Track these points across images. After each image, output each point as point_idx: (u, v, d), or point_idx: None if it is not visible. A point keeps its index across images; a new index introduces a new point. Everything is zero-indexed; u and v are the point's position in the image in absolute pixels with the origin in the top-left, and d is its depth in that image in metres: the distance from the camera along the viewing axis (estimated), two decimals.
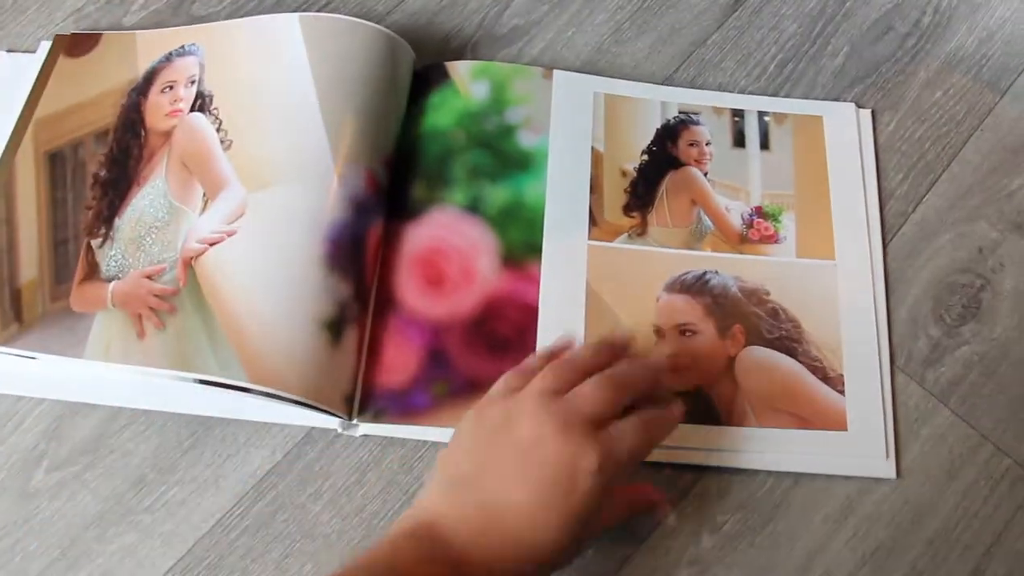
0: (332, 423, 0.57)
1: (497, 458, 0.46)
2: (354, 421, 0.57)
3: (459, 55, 0.69)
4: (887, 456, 0.57)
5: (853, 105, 0.67)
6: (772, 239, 0.62)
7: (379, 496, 0.56)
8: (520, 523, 0.45)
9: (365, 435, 0.57)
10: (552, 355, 0.53)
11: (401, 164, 0.64)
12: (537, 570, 0.46)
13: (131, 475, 0.57)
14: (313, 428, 0.58)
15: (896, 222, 0.64)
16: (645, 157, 0.65)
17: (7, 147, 0.63)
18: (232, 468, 0.57)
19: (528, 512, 0.45)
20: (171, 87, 0.64)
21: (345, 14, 0.65)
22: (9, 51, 0.69)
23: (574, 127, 0.65)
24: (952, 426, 0.58)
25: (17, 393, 0.58)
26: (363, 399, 0.57)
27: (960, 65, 0.70)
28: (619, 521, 0.51)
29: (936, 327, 0.61)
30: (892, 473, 0.56)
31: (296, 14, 0.63)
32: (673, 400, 0.52)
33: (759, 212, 0.63)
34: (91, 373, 0.56)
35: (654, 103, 0.67)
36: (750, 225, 0.63)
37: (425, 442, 0.57)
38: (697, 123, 0.66)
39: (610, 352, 0.52)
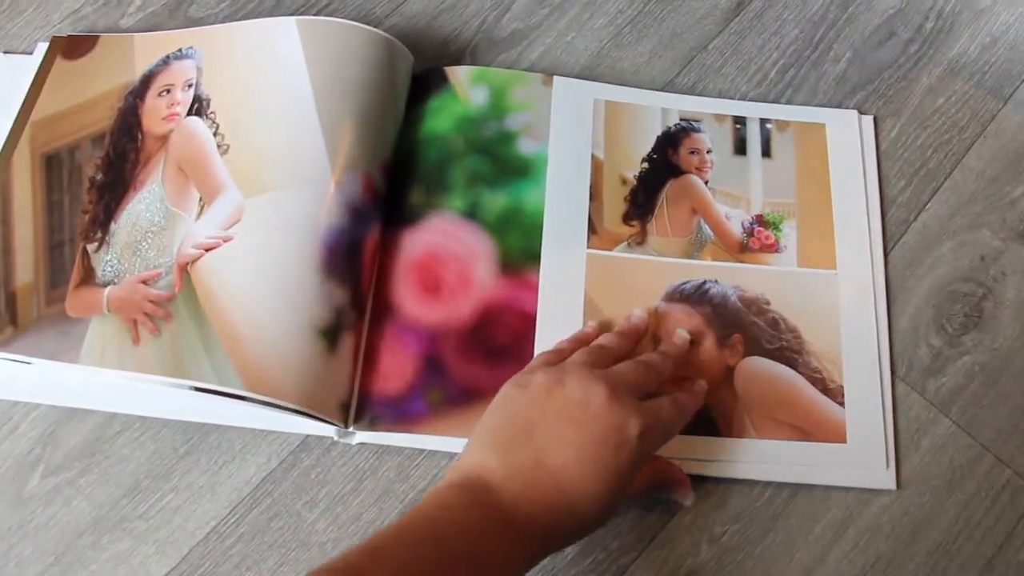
0: (328, 431, 0.56)
1: (548, 417, 0.48)
2: (350, 429, 0.56)
3: (458, 59, 0.69)
4: (887, 467, 0.56)
5: (855, 112, 0.67)
6: (773, 248, 0.62)
7: (375, 504, 0.56)
8: (571, 476, 0.46)
9: (361, 443, 0.57)
10: (579, 340, 0.57)
11: (399, 169, 0.63)
12: (577, 527, 0.47)
13: (126, 481, 0.56)
14: (309, 435, 0.57)
15: (898, 230, 0.64)
16: (645, 165, 0.64)
17: (3, 149, 0.63)
18: (227, 475, 0.56)
19: (579, 466, 0.46)
20: (168, 91, 0.63)
21: (343, 17, 0.65)
22: (6, 53, 0.69)
23: (573, 134, 0.65)
24: (953, 436, 0.58)
25: (12, 398, 0.58)
26: (359, 406, 0.57)
27: (963, 71, 0.69)
28: (645, 491, 0.53)
29: (937, 336, 0.60)
30: (892, 484, 0.56)
31: (294, 17, 0.63)
32: (696, 381, 0.56)
33: (760, 220, 0.63)
34: (86, 378, 0.56)
35: (655, 110, 0.66)
36: (751, 234, 0.62)
37: (421, 450, 0.57)
38: (698, 130, 0.65)
39: (636, 337, 0.58)
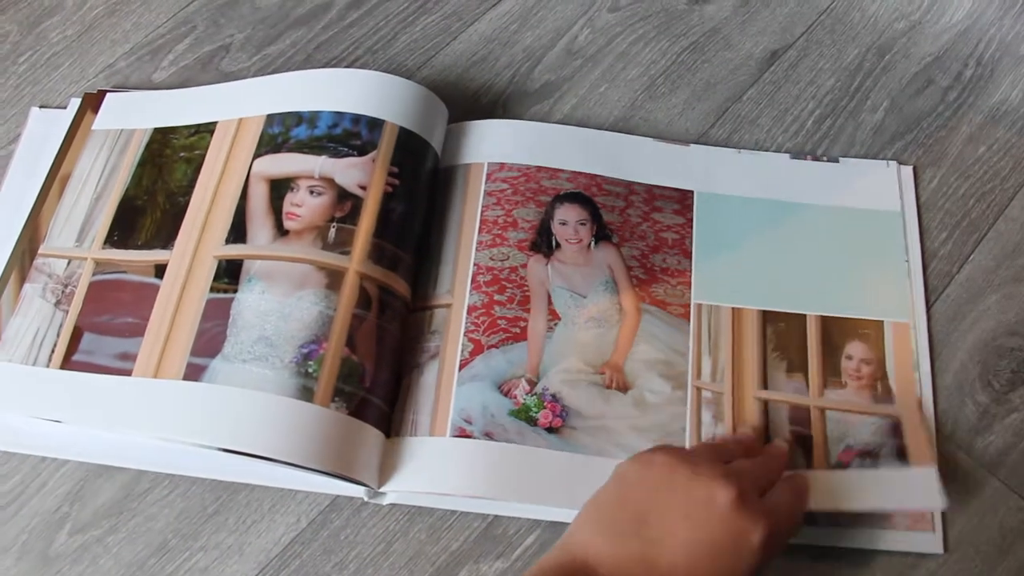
0: (358, 491, 0.55)
1: (664, 511, 0.46)
2: (381, 490, 0.55)
3: (490, 112, 0.69)
4: (934, 530, 0.55)
5: (895, 164, 0.65)
6: None
7: (405, 567, 0.54)
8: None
9: (392, 504, 0.56)
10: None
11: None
12: None
13: (154, 540, 0.56)
14: (339, 496, 0.56)
15: (940, 283, 0.62)
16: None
17: (36, 201, 0.63)
18: (256, 535, 0.56)
19: (688, 570, 0.45)
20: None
21: (375, 69, 0.65)
22: (41, 107, 0.69)
23: None
24: (1002, 498, 0.56)
25: (40, 454, 0.58)
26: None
27: (1004, 119, 0.68)
28: None
29: (984, 393, 0.59)
30: (939, 548, 0.54)
31: (332, 70, 0.63)
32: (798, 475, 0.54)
33: None
34: (115, 436, 0.55)
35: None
36: None
37: (454, 511, 0.56)
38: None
39: (751, 441, 0.56)
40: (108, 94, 0.68)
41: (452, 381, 0.58)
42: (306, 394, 0.54)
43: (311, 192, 0.60)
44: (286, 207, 0.60)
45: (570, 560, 0.45)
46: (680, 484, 0.46)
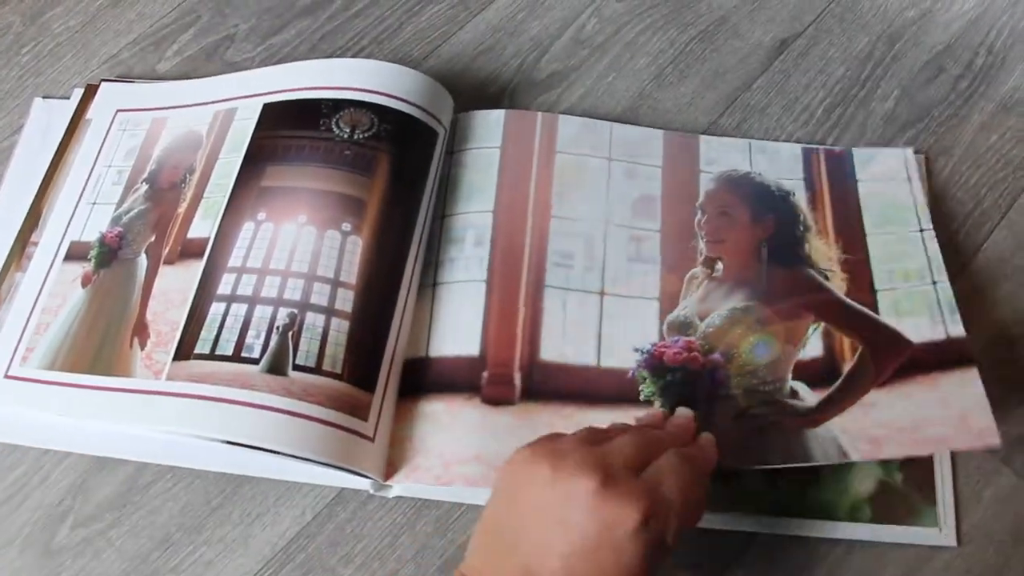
0: (364, 483, 0.55)
1: (537, 517, 0.42)
2: (387, 482, 0.55)
3: (497, 102, 0.68)
4: (947, 521, 0.54)
5: (906, 151, 0.65)
6: None
7: (412, 560, 0.54)
8: None
9: (398, 497, 0.55)
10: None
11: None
12: None
13: (157, 534, 0.55)
14: (344, 488, 0.56)
15: (953, 273, 0.61)
16: None
17: (37, 193, 0.63)
18: (260, 529, 0.55)
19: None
20: None
21: (380, 59, 0.64)
22: (45, 97, 0.69)
23: None
24: (1016, 489, 0.55)
25: (43, 447, 0.57)
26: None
27: (1017, 107, 0.67)
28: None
29: (997, 384, 0.58)
30: (953, 540, 0.54)
31: (338, 59, 0.63)
32: (702, 436, 0.51)
33: None
34: (117, 428, 0.55)
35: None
36: None
37: (460, 504, 0.55)
38: None
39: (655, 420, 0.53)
40: (102, 84, 0.68)
41: None
42: None
43: None
44: None
45: None
46: (545, 483, 0.43)
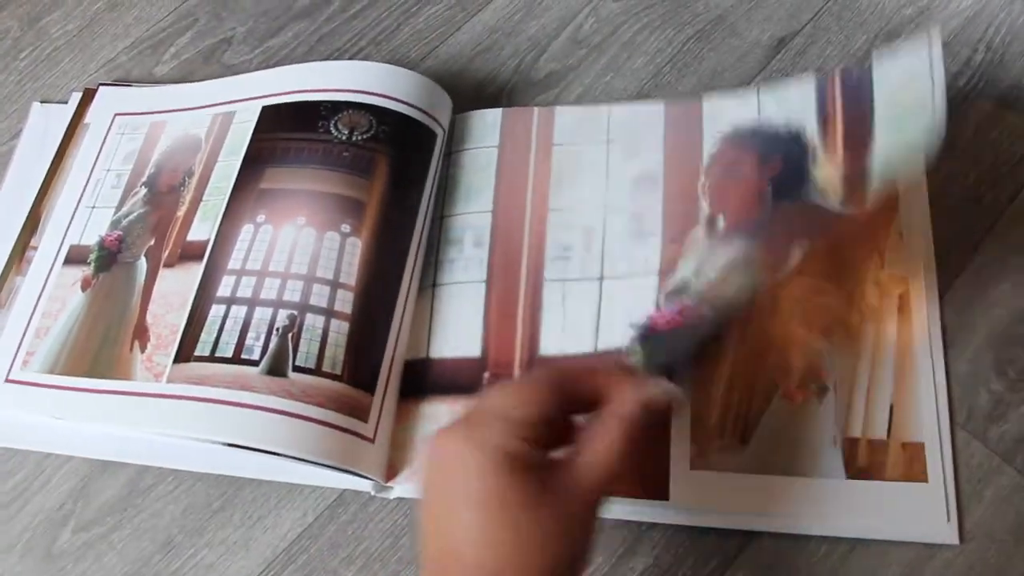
0: (365, 485, 0.55)
1: (430, 508, 0.41)
2: (388, 484, 0.55)
3: (495, 102, 0.68)
4: (948, 519, 0.54)
5: None
6: None
7: (414, 562, 0.54)
8: (468, 556, 0.39)
9: (399, 498, 0.55)
10: None
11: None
12: None
13: (159, 537, 0.55)
14: (346, 490, 0.56)
15: (953, 271, 0.61)
16: None
17: (36, 197, 0.63)
18: (262, 531, 0.55)
19: (466, 540, 0.39)
20: None
21: (377, 61, 0.64)
22: (43, 102, 0.69)
23: None
24: (1018, 487, 0.55)
25: (44, 450, 0.57)
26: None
27: (1016, 104, 0.67)
28: (619, 457, 0.41)
29: (999, 381, 0.58)
30: (955, 538, 0.53)
31: (336, 62, 0.63)
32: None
33: None
34: (118, 431, 0.55)
35: None
36: None
37: None
38: None
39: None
40: (100, 88, 0.68)
41: None
42: None
43: None
44: None
45: None
46: (437, 459, 0.41)
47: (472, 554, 0.38)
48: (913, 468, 0.54)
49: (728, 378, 0.56)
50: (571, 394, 0.43)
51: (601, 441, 0.41)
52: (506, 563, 0.38)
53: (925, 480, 0.54)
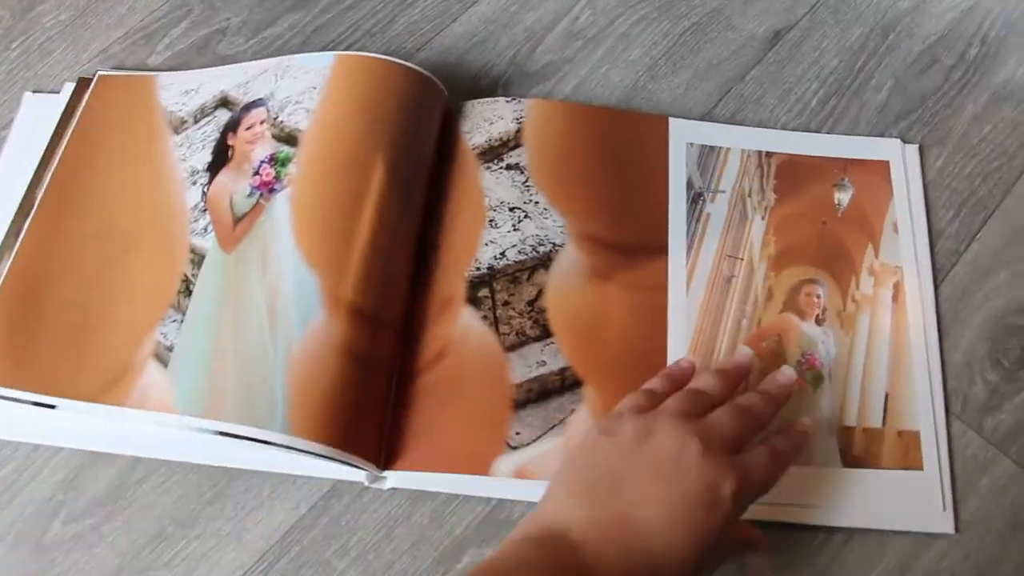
0: (359, 475, 0.54)
1: (636, 471, 0.45)
2: (382, 473, 0.54)
3: (491, 93, 0.68)
4: (944, 508, 0.54)
5: (899, 142, 0.64)
6: None
7: (408, 552, 0.53)
8: (658, 536, 0.43)
9: (393, 488, 0.55)
10: (674, 378, 0.53)
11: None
12: None
13: (150, 528, 0.55)
14: (339, 480, 0.55)
15: (947, 262, 0.61)
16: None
17: (29, 186, 0.62)
18: (255, 522, 0.54)
19: (667, 526, 0.44)
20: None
21: (373, 52, 0.64)
22: (35, 91, 0.68)
23: None
24: (1014, 476, 0.55)
25: (34, 441, 0.57)
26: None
27: (1010, 98, 0.67)
28: (730, 556, 0.50)
29: (993, 372, 0.58)
30: (950, 527, 0.53)
31: (330, 53, 0.62)
32: (799, 422, 0.52)
33: None
34: (109, 421, 0.54)
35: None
36: None
37: (456, 496, 0.55)
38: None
39: (739, 379, 0.53)
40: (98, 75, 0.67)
41: None
42: None
43: None
44: None
45: (543, 531, 0.44)
46: (649, 446, 0.46)
47: (643, 529, 0.43)
48: (909, 456, 0.55)
49: None
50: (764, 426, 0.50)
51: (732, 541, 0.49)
52: (668, 551, 0.43)
53: (920, 468, 0.54)
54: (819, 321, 0.58)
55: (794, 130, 0.66)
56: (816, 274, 0.60)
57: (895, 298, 0.59)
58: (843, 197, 0.63)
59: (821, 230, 0.62)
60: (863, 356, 0.58)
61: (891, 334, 0.58)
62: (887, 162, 0.64)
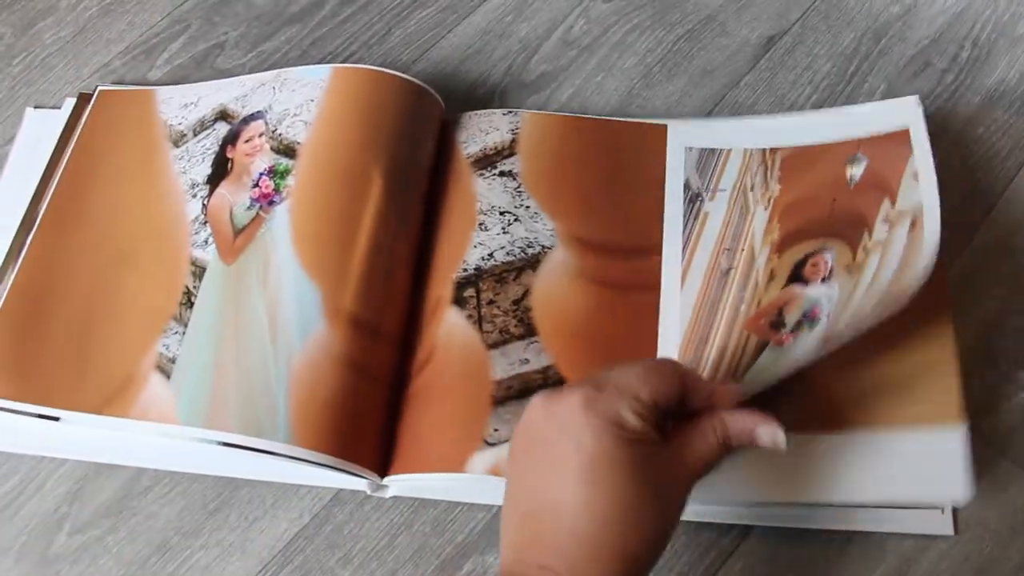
0: (361, 484, 0.55)
1: (530, 467, 0.43)
2: (383, 482, 0.55)
3: (487, 103, 0.68)
4: (943, 511, 0.54)
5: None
6: None
7: (411, 560, 0.54)
8: (566, 517, 0.40)
9: (395, 497, 0.55)
10: None
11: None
12: (630, 563, 0.40)
13: (155, 539, 0.55)
14: (341, 490, 0.56)
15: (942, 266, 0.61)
16: None
17: (31, 201, 0.63)
18: (258, 532, 0.55)
19: (567, 502, 0.40)
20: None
21: (369, 64, 0.65)
22: (36, 107, 0.69)
23: None
24: (1013, 478, 0.55)
25: (38, 454, 0.57)
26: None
27: (1002, 100, 0.68)
28: (712, 463, 0.44)
29: (991, 372, 0.58)
30: (949, 529, 0.53)
31: (327, 65, 0.63)
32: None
33: None
34: (113, 433, 0.55)
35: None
36: None
37: (457, 503, 0.55)
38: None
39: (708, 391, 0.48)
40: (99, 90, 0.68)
41: None
42: None
43: None
44: None
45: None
46: (550, 417, 0.43)
47: (570, 515, 0.40)
48: None
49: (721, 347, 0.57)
50: (688, 392, 0.45)
51: (704, 442, 0.44)
52: (602, 530, 0.39)
53: None
54: (825, 280, 0.57)
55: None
56: (823, 244, 0.58)
57: (912, 226, 0.57)
58: (856, 171, 0.61)
59: (832, 208, 0.60)
60: (865, 288, 0.55)
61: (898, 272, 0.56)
62: (906, 131, 0.61)
